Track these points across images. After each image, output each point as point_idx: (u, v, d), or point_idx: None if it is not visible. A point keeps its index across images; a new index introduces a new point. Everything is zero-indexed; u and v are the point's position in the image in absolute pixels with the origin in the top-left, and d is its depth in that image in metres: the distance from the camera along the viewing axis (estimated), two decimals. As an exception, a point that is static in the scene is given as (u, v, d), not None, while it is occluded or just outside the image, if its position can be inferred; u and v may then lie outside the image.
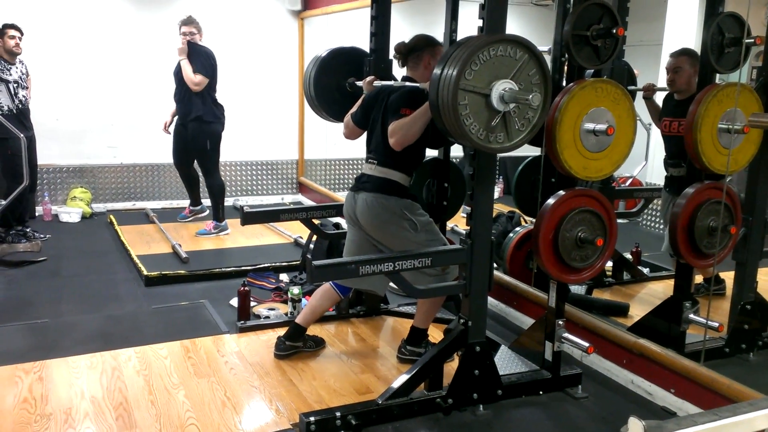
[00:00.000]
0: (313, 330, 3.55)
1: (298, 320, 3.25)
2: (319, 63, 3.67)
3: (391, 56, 3.38)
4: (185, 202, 6.78)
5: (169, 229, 5.66)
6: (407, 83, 2.98)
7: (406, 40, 3.08)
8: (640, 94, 3.96)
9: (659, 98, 4.03)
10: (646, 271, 4.58)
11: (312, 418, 2.55)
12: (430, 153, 3.53)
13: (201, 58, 5.33)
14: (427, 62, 3.02)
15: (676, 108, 3.69)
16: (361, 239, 3.12)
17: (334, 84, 3.69)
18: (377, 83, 3.21)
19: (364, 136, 3.17)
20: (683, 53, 3.64)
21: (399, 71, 3.25)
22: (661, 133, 3.88)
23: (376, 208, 2.93)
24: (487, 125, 2.40)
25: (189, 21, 5.41)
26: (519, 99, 2.37)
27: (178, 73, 5.40)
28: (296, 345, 3.25)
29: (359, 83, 3.48)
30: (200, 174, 5.75)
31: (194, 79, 5.26)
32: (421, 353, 3.08)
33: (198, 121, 5.37)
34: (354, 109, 3.21)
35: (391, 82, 3.15)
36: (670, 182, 3.82)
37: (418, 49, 3.04)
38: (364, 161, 3.09)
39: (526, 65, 2.42)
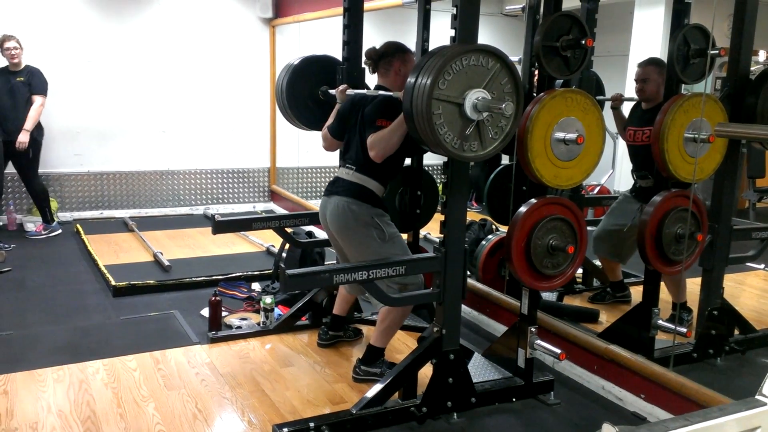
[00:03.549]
0: (287, 340, 3.53)
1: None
2: (291, 71, 3.66)
3: (363, 64, 3.39)
4: (155, 210, 6.72)
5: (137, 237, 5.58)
6: (381, 92, 2.99)
7: (377, 47, 3.09)
8: (607, 104, 4.02)
9: (626, 109, 4.09)
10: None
11: (285, 430, 2.53)
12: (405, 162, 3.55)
13: (38, 77, 5.57)
14: (398, 69, 3.03)
15: (641, 117, 3.73)
16: (337, 245, 3.13)
17: (306, 92, 3.69)
18: (350, 92, 3.22)
19: None
20: (651, 63, 3.70)
21: (371, 78, 3.26)
22: (626, 144, 3.94)
23: (347, 213, 2.93)
24: (461, 134, 2.42)
25: (11, 37, 5.47)
26: (492, 108, 2.39)
27: (11, 89, 5.46)
28: (338, 334, 3.46)
29: (332, 91, 3.48)
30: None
31: (41, 102, 5.51)
32: (376, 373, 3.03)
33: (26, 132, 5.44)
34: (330, 121, 3.22)
35: (365, 91, 3.15)
36: (638, 192, 3.87)
37: (389, 55, 3.05)
38: (338, 167, 3.09)
39: (498, 74, 2.45)
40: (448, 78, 2.35)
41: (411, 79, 2.42)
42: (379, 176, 2.96)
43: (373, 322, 3.77)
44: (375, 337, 3.08)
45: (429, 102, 2.32)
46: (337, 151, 3.24)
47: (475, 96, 2.39)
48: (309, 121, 3.71)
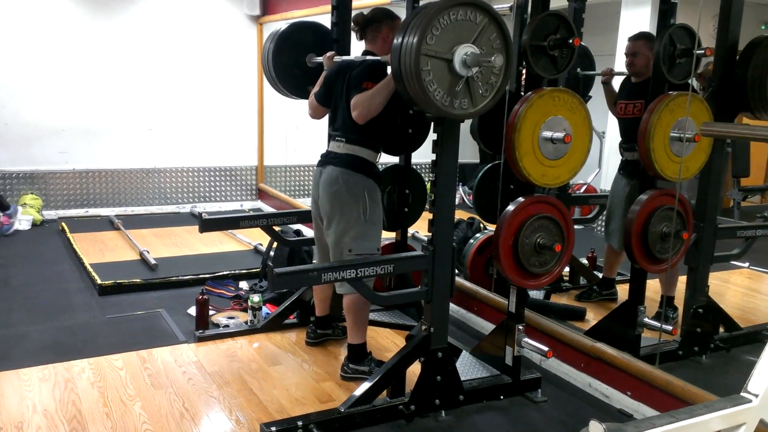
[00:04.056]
0: (275, 339, 3.53)
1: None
2: (278, 37, 3.58)
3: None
4: (141, 209, 6.68)
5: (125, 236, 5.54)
6: (368, 57, 2.95)
7: (365, 12, 3.03)
8: (598, 79, 4.08)
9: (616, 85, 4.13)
10: (601, 275, 4.67)
11: (273, 428, 2.52)
12: (392, 160, 3.55)
13: None
14: (386, 35, 2.98)
15: (631, 91, 3.77)
16: (317, 219, 3.11)
17: (293, 60, 3.60)
18: (338, 58, 3.16)
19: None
20: (641, 37, 3.72)
21: (357, 45, 3.21)
22: (616, 117, 3.96)
23: (339, 182, 2.92)
24: (450, 91, 2.38)
25: None
26: (481, 62, 2.35)
27: None
28: (326, 332, 3.46)
29: (319, 59, 3.42)
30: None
31: None
32: (365, 371, 3.04)
33: None
34: (316, 87, 3.17)
35: (352, 57, 3.10)
36: (624, 166, 3.92)
37: (376, 21, 2.99)
38: (328, 139, 3.05)
39: (486, 29, 2.40)
40: (436, 33, 2.31)
41: (398, 39, 2.38)
42: (369, 143, 2.95)
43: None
44: (349, 335, 3.07)
45: (417, 58, 2.28)
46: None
47: (464, 51, 2.34)
48: (295, 90, 3.63)
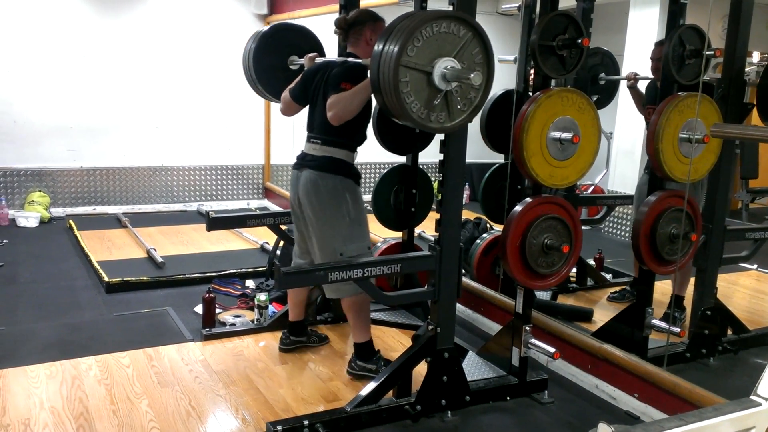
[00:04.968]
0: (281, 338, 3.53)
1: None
2: (259, 38, 3.51)
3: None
4: (148, 207, 6.70)
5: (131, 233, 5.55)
6: (350, 59, 2.88)
7: (347, 15, 2.97)
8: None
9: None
10: (608, 277, 4.66)
11: (279, 427, 2.52)
12: (399, 159, 3.55)
13: None
14: (369, 37, 2.91)
15: (657, 95, 3.77)
16: (299, 223, 3.07)
17: (275, 61, 3.53)
18: (319, 59, 3.11)
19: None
20: None
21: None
22: (645, 120, 3.95)
23: (318, 185, 2.87)
24: (428, 104, 2.32)
25: None
26: (461, 77, 2.30)
27: None
28: (300, 339, 3.37)
29: (301, 61, 3.35)
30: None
31: None
32: (372, 369, 3.02)
33: None
34: (293, 84, 3.10)
35: (334, 58, 3.04)
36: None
37: (359, 23, 2.92)
38: (305, 141, 3.00)
39: (469, 44, 2.35)
40: (418, 44, 2.25)
41: (378, 45, 2.31)
42: (345, 144, 2.89)
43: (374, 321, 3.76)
44: (353, 334, 3.06)
45: (396, 68, 2.22)
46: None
47: (444, 65, 2.29)
48: (275, 92, 3.48)
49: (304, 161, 2.96)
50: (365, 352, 3.07)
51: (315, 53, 3.23)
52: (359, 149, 2.99)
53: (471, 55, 2.37)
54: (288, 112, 3.14)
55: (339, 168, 2.89)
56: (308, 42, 3.56)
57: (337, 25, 2.98)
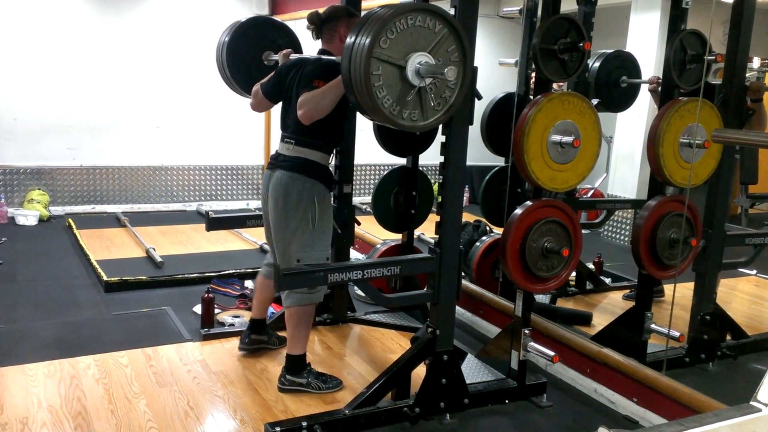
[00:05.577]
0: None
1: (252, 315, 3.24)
2: (234, 29, 3.40)
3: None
4: (148, 206, 6.69)
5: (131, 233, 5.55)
6: (324, 56, 2.81)
7: (320, 11, 2.87)
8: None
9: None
10: (608, 281, 4.66)
11: (277, 429, 2.52)
12: (399, 161, 3.55)
13: None
14: (342, 34, 2.81)
15: None
16: (267, 221, 2.99)
17: (250, 56, 3.40)
18: (294, 56, 3.04)
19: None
20: None
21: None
22: None
23: (289, 186, 2.78)
24: (400, 100, 2.25)
25: None
26: (435, 73, 2.23)
27: None
28: (261, 338, 3.29)
29: (276, 57, 3.26)
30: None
31: None
32: (302, 383, 2.90)
33: None
34: (266, 79, 2.99)
35: (308, 55, 2.97)
36: None
37: (333, 19, 2.84)
38: (279, 140, 2.92)
39: (445, 40, 2.29)
40: (391, 37, 2.19)
41: (351, 38, 2.24)
42: (319, 145, 2.80)
43: (367, 321, 3.77)
44: (288, 345, 2.92)
45: (368, 60, 2.14)
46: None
47: (418, 60, 2.22)
48: (249, 88, 3.31)
49: (277, 161, 2.86)
50: (297, 365, 2.92)
51: (290, 50, 3.14)
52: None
53: (447, 52, 2.31)
54: (258, 107, 3.06)
55: (312, 170, 2.79)
56: (285, 38, 3.47)
57: (310, 20, 2.86)
